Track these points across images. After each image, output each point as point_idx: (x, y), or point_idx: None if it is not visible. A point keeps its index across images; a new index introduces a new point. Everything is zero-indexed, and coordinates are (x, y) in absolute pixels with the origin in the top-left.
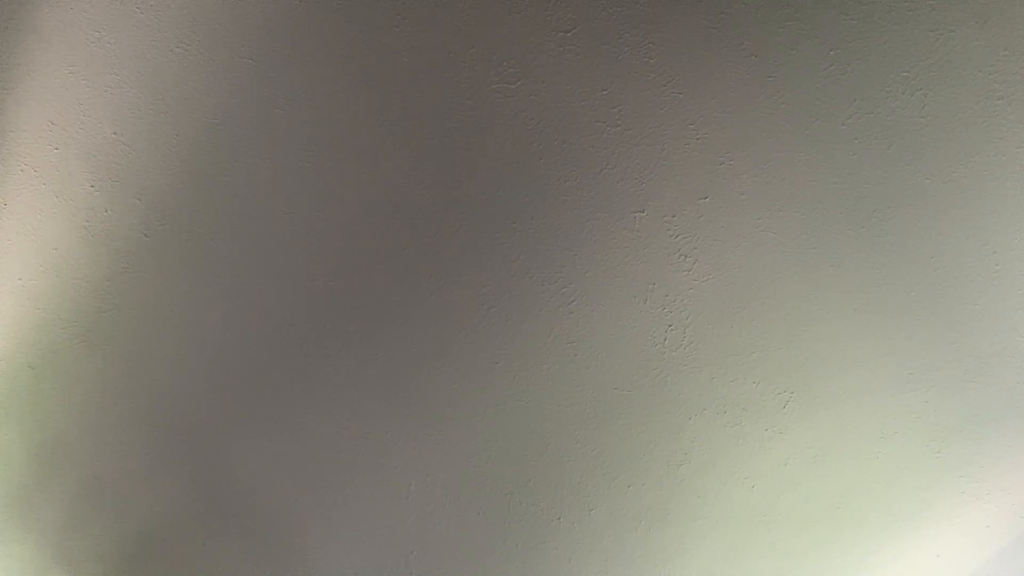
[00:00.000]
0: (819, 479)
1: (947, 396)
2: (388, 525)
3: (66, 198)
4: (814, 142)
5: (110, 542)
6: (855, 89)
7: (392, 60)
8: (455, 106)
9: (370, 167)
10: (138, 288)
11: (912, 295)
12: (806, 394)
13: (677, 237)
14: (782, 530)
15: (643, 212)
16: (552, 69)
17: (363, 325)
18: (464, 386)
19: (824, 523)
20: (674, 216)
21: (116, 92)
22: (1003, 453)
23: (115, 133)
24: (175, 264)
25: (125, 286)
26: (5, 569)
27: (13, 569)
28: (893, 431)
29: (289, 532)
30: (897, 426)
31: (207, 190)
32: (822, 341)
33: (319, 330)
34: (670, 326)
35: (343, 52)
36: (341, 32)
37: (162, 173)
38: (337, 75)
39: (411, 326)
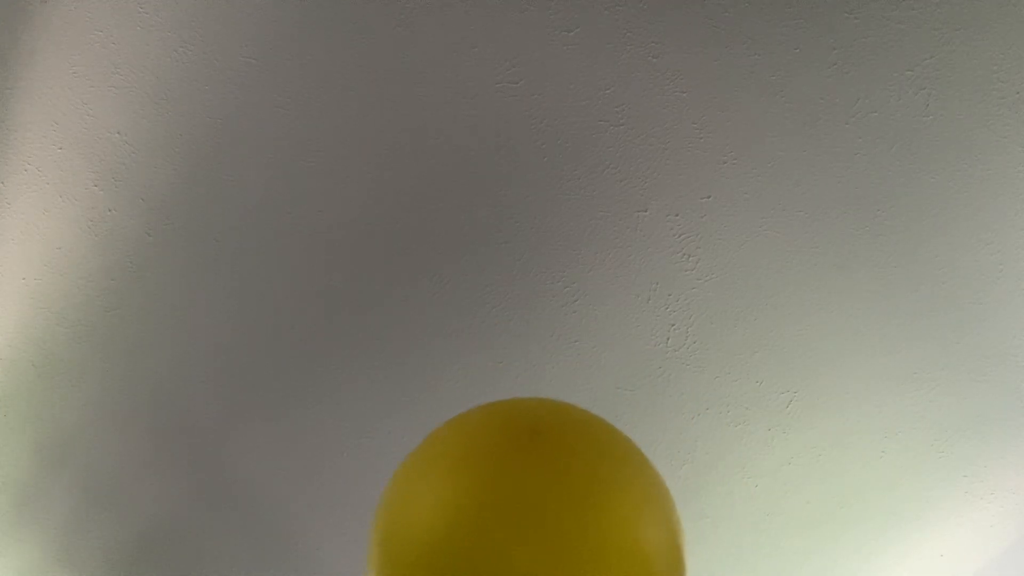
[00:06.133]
0: (822, 478)
1: (951, 395)
2: None
3: (69, 198)
4: (817, 141)
5: (113, 540)
6: (858, 88)
7: (393, 60)
8: (457, 106)
9: (371, 167)
10: (142, 287)
11: (916, 294)
12: (809, 393)
13: (680, 236)
14: (785, 529)
15: (646, 211)
16: (554, 68)
17: (365, 325)
18: (467, 386)
19: (827, 523)
20: (677, 215)
21: (119, 92)
22: (1007, 452)
23: (119, 133)
24: (178, 263)
25: (129, 285)
26: (8, 567)
27: (16, 567)
28: (896, 430)
29: (292, 531)
30: (900, 425)
31: (210, 190)
32: (825, 340)
33: (322, 330)
34: (673, 325)
35: (344, 52)
36: (342, 32)
37: (165, 173)
38: (338, 75)
39: (413, 326)
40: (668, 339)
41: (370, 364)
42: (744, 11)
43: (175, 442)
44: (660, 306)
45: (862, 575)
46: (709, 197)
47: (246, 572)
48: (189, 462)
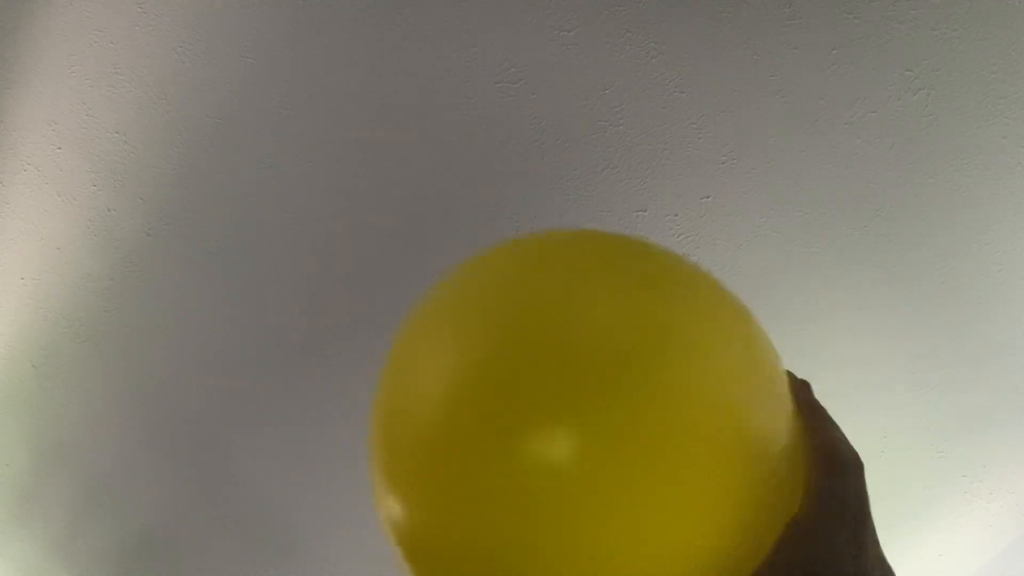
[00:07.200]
0: None
1: (950, 395)
2: None
3: (68, 197)
4: (816, 141)
5: (113, 541)
6: (858, 88)
7: (393, 60)
8: (456, 106)
9: (371, 167)
10: (141, 287)
11: (915, 294)
12: None
13: (680, 237)
14: None
15: (645, 211)
16: (553, 68)
17: (366, 324)
18: None
19: None
20: (676, 215)
21: (118, 92)
22: (1006, 452)
23: (118, 132)
24: (178, 264)
25: (128, 286)
26: (8, 568)
27: (16, 568)
28: (895, 430)
29: (294, 531)
30: (899, 425)
31: (210, 190)
32: (824, 340)
33: (322, 329)
34: None
35: (343, 52)
36: (341, 32)
37: (165, 173)
38: (337, 75)
39: None
40: None
41: (369, 363)
42: (744, 11)
43: (175, 442)
44: None
45: None
46: (708, 197)
47: (245, 572)
48: (189, 462)
